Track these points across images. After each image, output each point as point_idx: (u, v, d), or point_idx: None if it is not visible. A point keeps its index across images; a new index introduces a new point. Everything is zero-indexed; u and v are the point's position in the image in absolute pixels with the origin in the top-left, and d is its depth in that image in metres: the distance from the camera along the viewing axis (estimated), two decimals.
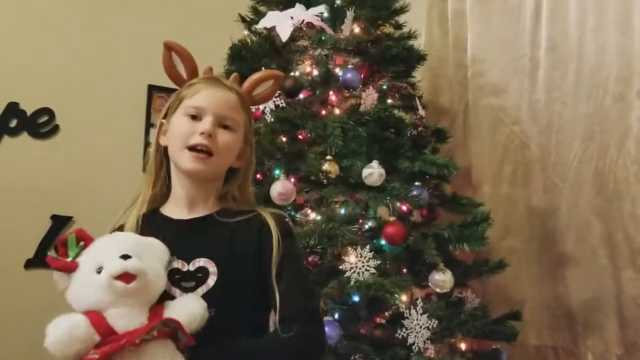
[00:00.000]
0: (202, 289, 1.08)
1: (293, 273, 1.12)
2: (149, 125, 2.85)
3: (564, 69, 2.23)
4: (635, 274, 2.01)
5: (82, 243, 1.03)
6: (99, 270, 0.98)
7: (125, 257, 0.98)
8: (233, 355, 1.04)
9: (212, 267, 1.09)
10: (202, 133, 1.11)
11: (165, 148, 1.19)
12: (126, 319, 0.96)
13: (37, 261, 2.53)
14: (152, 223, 1.15)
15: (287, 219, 1.21)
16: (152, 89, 2.84)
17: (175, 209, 1.18)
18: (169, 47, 1.21)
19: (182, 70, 1.22)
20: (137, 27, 2.81)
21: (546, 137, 2.27)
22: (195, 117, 1.14)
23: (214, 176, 1.18)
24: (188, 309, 1.01)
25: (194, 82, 1.19)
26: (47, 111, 2.63)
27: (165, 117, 1.20)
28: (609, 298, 2.08)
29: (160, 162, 1.21)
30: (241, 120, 1.18)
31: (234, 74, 1.26)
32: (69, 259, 1.01)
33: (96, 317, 0.96)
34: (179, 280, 1.08)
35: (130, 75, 2.78)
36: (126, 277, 0.96)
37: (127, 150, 2.77)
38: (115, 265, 0.97)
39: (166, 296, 1.05)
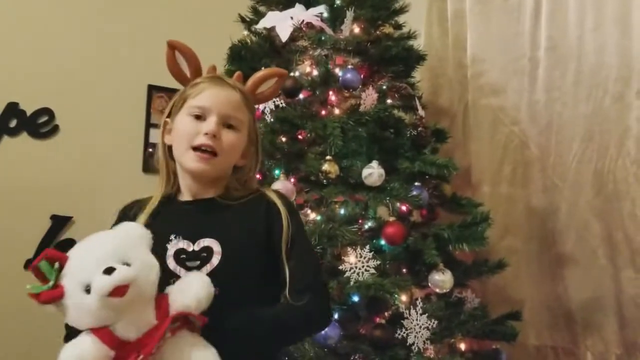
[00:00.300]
0: (207, 268, 1.09)
1: (302, 250, 1.16)
2: (148, 125, 2.85)
3: (564, 69, 2.23)
4: (634, 274, 2.01)
5: (56, 264, 0.96)
6: (87, 289, 0.92)
7: (109, 270, 0.92)
8: (252, 322, 1.07)
9: (216, 247, 1.11)
10: (206, 133, 1.12)
11: (170, 147, 1.20)
12: (134, 325, 0.95)
13: None
14: (162, 209, 1.17)
15: (290, 199, 1.25)
16: (152, 89, 2.84)
17: (183, 196, 1.21)
18: (172, 46, 1.21)
19: (185, 69, 1.22)
20: (137, 27, 2.81)
21: (546, 137, 2.27)
22: (199, 117, 1.15)
23: (218, 176, 1.19)
24: (192, 291, 0.99)
25: (197, 82, 1.19)
26: (47, 111, 2.62)
27: (169, 115, 1.21)
28: (608, 298, 2.08)
29: (167, 161, 1.21)
30: (245, 119, 1.19)
31: (237, 73, 1.26)
32: (51, 284, 0.95)
33: (104, 333, 0.94)
34: (184, 260, 1.10)
35: (130, 75, 2.78)
36: (118, 290, 0.91)
37: (127, 150, 2.77)
38: (101, 283, 0.91)
39: (172, 275, 1.07)
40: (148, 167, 2.82)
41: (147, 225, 1.10)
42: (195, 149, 1.13)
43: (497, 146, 2.41)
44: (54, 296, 0.94)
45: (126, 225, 1.06)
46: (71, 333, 1.00)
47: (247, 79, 1.27)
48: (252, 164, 1.24)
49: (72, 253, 0.98)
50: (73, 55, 2.68)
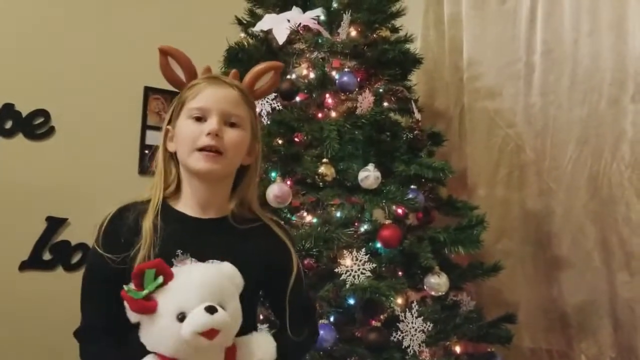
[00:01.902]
0: None
1: (302, 286, 1.22)
2: (145, 127, 2.85)
3: (559, 73, 2.24)
4: (629, 277, 2.02)
5: (160, 278, 0.94)
6: (180, 317, 0.92)
7: (211, 309, 0.91)
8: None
9: None
10: (209, 134, 1.10)
11: (173, 154, 1.18)
12: None
13: (31, 263, 2.53)
14: (166, 218, 1.12)
15: (289, 231, 1.28)
16: (149, 91, 2.84)
17: (187, 207, 1.16)
18: (164, 52, 1.19)
19: (180, 73, 1.20)
20: (133, 28, 2.80)
21: (541, 141, 2.28)
22: (200, 119, 1.13)
23: (225, 175, 1.17)
24: (261, 354, 1.03)
25: (194, 84, 1.18)
26: (43, 112, 2.62)
27: (169, 122, 1.19)
28: (603, 301, 2.09)
29: (169, 168, 1.19)
30: (246, 115, 1.17)
31: (233, 71, 1.24)
32: (144, 293, 0.93)
33: None
34: None
35: (127, 76, 2.78)
36: (211, 332, 0.91)
37: (123, 152, 2.77)
38: (200, 320, 0.91)
39: None
40: (144, 169, 2.82)
41: (154, 234, 1.09)
42: (200, 150, 1.11)
43: (492, 149, 2.42)
44: (148, 309, 0.93)
45: (227, 267, 1.05)
46: (87, 330, 1.04)
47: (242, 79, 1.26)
48: (256, 165, 1.23)
49: (178, 274, 0.97)
50: (69, 56, 2.67)
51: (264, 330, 1.11)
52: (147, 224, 1.10)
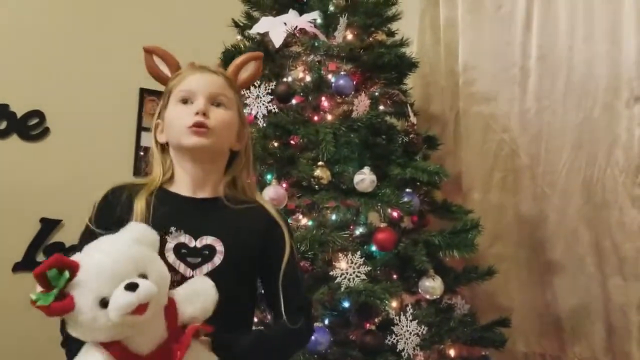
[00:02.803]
0: (208, 267, 1.09)
1: (295, 271, 1.20)
2: (140, 128, 2.84)
3: (554, 78, 2.25)
4: (622, 282, 2.03)
5: (66, 273, 0.87)
6: (103, 304, 0.87)
7: (132, 286, 0.86)
8: (262, 344, 1.13)
9: (219, 246, 1.10)
10: (197, 113, 1.12)
11: (165, 145, 1.19)
12: (148, 339, 0.92)
13: (25, 264, 2.51)
14: (160, 199, 1.13)
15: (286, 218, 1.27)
16: (144, 92, 2.83)
17: (181, 188, 1.17)
18: (149, 51, 1.23)
19: (167, 71, 1.23)
20: (129, 30, 2.80)
21: (536, 146, 2.29)
22: (187, 101, 1.15)
23: (216, 153, 1.18)
24: (200, 301, 0.98)
25: (179, 72, 1.21)
26: (38, 113, 2.61)
27: (159, 117, 1.21)
28: (596, 305, 2.10)
29: (163, 158, 1.20)
30: (232, 97, 1.19)
31: (217, 61, 1.27)
32: (55, 291, 0.86)
33: (117, 349, 0.90)
34: (185, 255, 1.09)
35: (122, 78, 2.77)
36: (139, 309, 0.86)
37: (118, 154, 2.76)
38: (124, 300, 0.85)
39: (170, 268, 1.03)
40: (139, 170, 2.81)
41: (146, 212, 1.09)
42: (189, 128, 1.12)
43: (487, 154, 2.43)
44: (65, 308, 0.87)
45: (135, 229, 1.00)
46: (70, 339, 0.96)
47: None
48: (247, 148, 1.24)
49: (84, 261, 0.90)
50: (64, 57, 2.67)
51: (199, 276, 1.05)
52: (139, 203, 1.10)
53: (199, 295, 0.99)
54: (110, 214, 1.11)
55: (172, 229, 1.10)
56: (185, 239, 1.10)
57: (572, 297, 2.17)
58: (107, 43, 2.76)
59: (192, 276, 1.07)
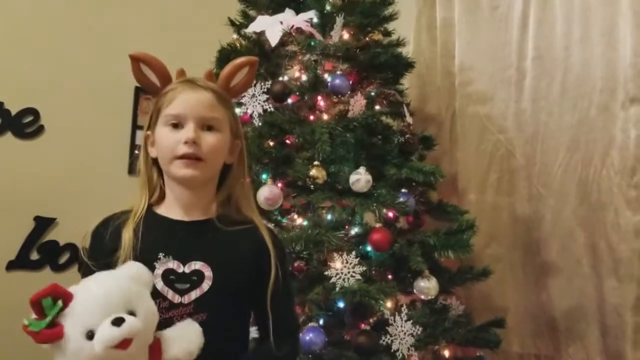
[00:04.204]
0: (196, 293, 1.08)
1: (286, 297, 1.20)
2: (135, 126, 2.83)
3: (550, 79, 2.25)
4: (617, 283, 2.03)
5: (59, 302, 0.91)
6: (89, 336, 0.90)
7: (118, 321, 0.90)
8: None
9: (207, 272, 1.09)
10: (186, 142, 1.09)
11: (156, 159, 1.18)
12: None
13: (19, 263, 2.50)
14: (148, 223, 1.12)
15: (278, 237, 1.25)
16: (139, 91, 2.82)
17: (171, 211, 1.16)
18: (135, 59, 1.17)
19: (154, 79, 1.18)
20: (125, 28, 2.79)
21: (531, 146, 2.29)
22: (176, 126, 1.12)
23: (208, 179, 1.17)
24: (184, 343, 1.00)
25: (167, 90, 1.16)
26: (32, 111, 2.59)
27: (149, 128, 1.19)
28: (591, 306, 2.10)
29: (151, 174, 1.19)
30: (223, 117, 1.16)
31: (207, 70, 1.22)
32: (48, 320, 0.90)
33: None
34: (173, 282, 1.07)
35: (117, 75, 2.74)
36: (124, 343, 0.89)
37: (113, 152, 2.75)
38: (109, 334, 0.89)
39: (158, 295, 1.05)
40: (134, 169, 2.79)
41: (134, 239, 1.08)
42: (179, 158, 1.10)
43: (483, 154, 2.43)
44: (54, 337, 0.91)
45: (132, 268, 1.02)
46: None
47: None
48: (240, 163, 1.22)
49: (78, 292, 0.94)
50: (59, 54, 2.66)
51: (187, 320, 1.05)
52: (127, 233, 1.10)
53: (184, 338, 1.01)
54: (100, 245, 1.11)
55: (161, 254, 1.09)
56: (173, 264, 1.09)
57: (567, 298, 2.17)
58: (102, 41, 2.75)
59: (181, 302, 1.07)
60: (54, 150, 2.61)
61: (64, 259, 2.59)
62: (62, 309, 0.92)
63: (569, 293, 2.16)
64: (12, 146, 2.55)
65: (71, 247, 2.58)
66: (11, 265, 2.50)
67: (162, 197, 1.19)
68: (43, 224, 2.57)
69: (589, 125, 2.13)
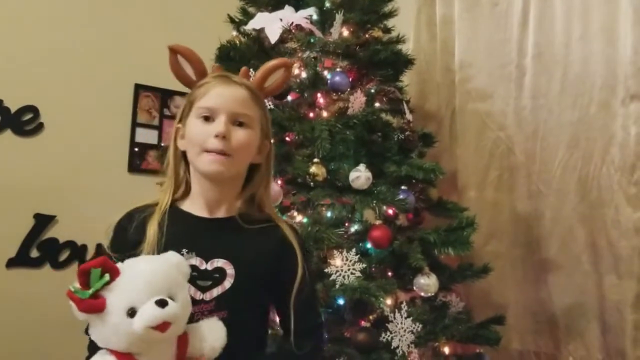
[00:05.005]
0: (218, 290, 1.09)
1: (309, 293, 1.18)
2: (135, 124, 2.84)
3: (550, 76, 2.25)
4: (617, 280, 2.03)
5: (106, 276, 0.93)
6: (130, 313, 0.92)
7: (162, 302, 0.92)
8: None
9: (230, 270, 1.10)
10: (216, 136, 1.10)
11: (184, 152, 1.18)
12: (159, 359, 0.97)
13: (19, 260, 2.51)
14: (173, 219, 1.13)
15: (301, 235, 1.25)
16: (139, 88, 2.82)
17: (195, 207, 1.17)
18: (174, 51, 1.19)
19: (190, 71, 1.19)
20: (125, 25, 2.79)
21: (531, 144, 2.29)
22: (208, 119, 1.13)
23: (234, 176, 1.17)
24: (210, 341, 1.02)
25: (202, 83, 1.17)
26: (32, 109, 2.60)
27: (180, 121, 1.19)
28: (591, 303, 2.10)
29: (179, 168, 1.19)
30: (255, 114, 1.17)
31: (243, 68, 1.24)
32: (90, 291, 0.92)
33: None
34: (195, 278, 1.08)
35: (117, 73, 2.76)
36: (163, 326, 0.91)
37: (113, 149, 2.75)
38: (152, 314, 0.91)
39: None
40: (133, 167, 2.81)
41: (159, 233, 1.09)
42: (208, 151, 1.11)
43: (483, 151, 2.43)
44: (96, 308, 0.92)
45: (175, 257, 1.03)
46: (94, 346, 0.98)
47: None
48: (269, 160, 1.22)
49: (125, 271, 0.96)
50: (59, 52, 2.66)
51: (214, 317, 1.07)
52: (151, 227, 1.10)
53: (211, 334, 1.03)
54: (124, 238, 1.12)
55: (184, 251, 1.09)
56: (196, 261, 1.09)
57: (567, 295, 2.17)
58: (102, 38, 2.75)
59: (202, 299, 1.08)
60: (54, 148, 2.62)
61: (64, 256, 2.59)
62: (108, 283, 0.93)
63: (569, 290, 2.16)
64: (11, 144, 2.55)
65: (71, 244, 2.58)
66: (11, 263, 2.50)
67: (186, 193, 1.19)
68: (43, 221, 2.57)
69: (589, 122, 2.13)
